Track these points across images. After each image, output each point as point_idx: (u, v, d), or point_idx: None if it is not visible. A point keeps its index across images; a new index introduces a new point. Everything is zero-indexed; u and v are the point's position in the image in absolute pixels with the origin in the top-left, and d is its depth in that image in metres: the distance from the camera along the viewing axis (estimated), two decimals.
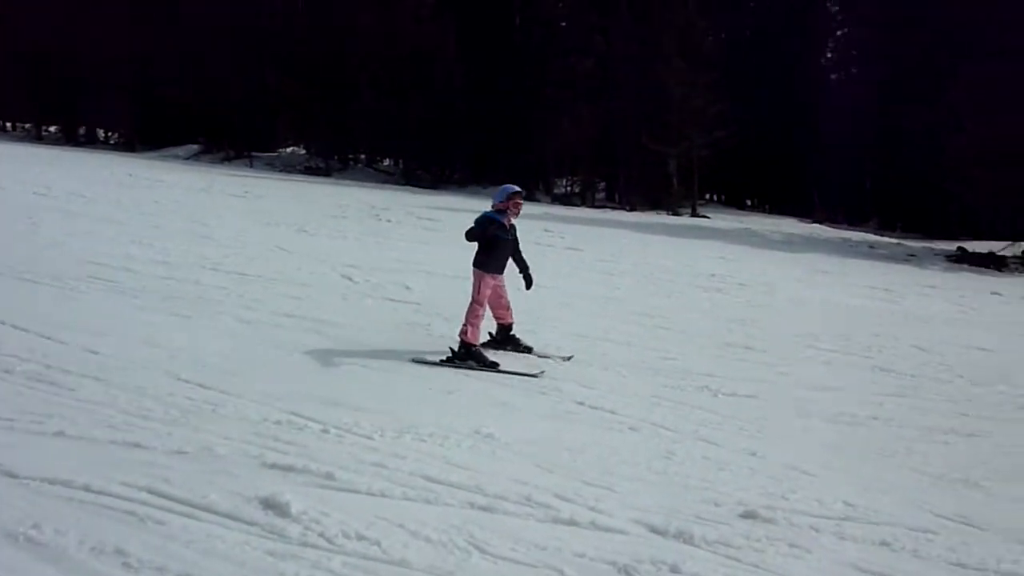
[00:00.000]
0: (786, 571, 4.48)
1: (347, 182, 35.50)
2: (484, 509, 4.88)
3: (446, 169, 40.36)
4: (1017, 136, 25.01)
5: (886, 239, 30.18)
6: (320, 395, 6.63)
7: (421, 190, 34.53)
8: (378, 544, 4.29)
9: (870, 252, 25.32)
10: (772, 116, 39.52)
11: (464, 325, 8.18)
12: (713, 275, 16.22)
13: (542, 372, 8.06)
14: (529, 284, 8.91)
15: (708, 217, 33.12)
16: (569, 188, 40.17)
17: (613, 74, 35.68)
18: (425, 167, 40.34)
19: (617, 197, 37.85)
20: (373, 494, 4.91)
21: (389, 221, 20.40)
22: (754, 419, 7.26)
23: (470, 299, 8.34)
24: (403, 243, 16.85)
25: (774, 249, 23.44)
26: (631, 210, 33.92)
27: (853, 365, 9.86)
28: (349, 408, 6.36)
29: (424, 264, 14.17)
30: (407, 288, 11.88)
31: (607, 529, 4.77)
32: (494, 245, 8.40)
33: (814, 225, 34.08)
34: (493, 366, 8.05)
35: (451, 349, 8.18)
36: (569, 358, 8.80)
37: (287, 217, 18.87)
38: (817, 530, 5.04)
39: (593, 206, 35.59)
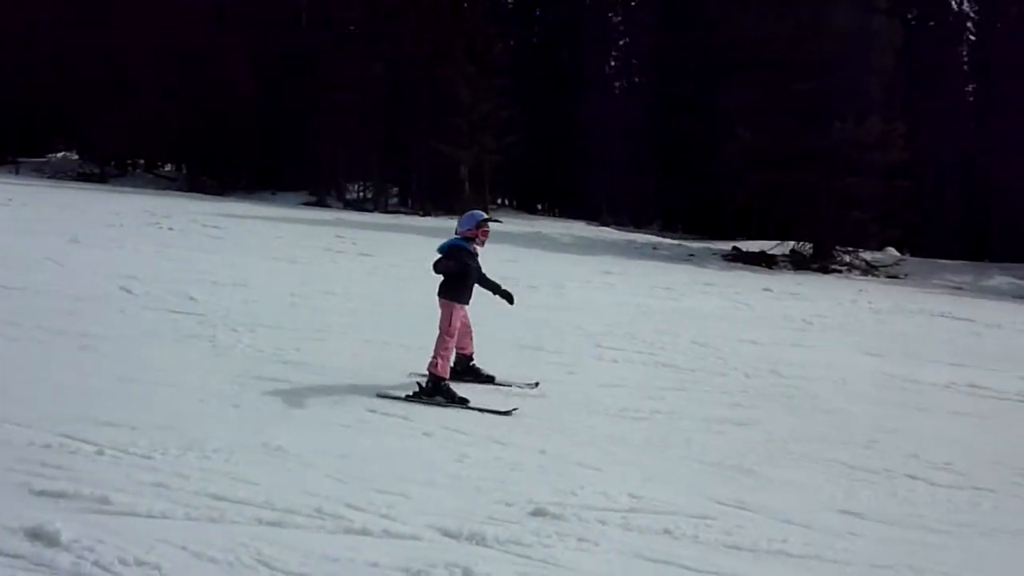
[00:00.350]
0: (575, 565, 4.59)
1: (125, 189, 33.84)
2: (273, 524, 4.74)
3: (232, 174, 39.15)
4: (783, 140, 26.81)
5: (668, 240, 31.61)
6: (93, 415, 6.23)
7: (206, 196, 33.33)
8: (158, 569, 4.09)
9: (654, 253, 26.47)
10: (560, 122, 40.65)
11: (433, 358, 7.71)
12: (504, 278, 16.39)
13: (515, 409, 7.58)
14: (511, 300, 8.64)
15: (500, 221, 33.46)
16: (361, 193, 39.83)
17: (402, 78, 35.65)
18: (210, 172, 38.99)
19: (410, 202, 37.86)
20: (153, 516, 4.67)
21: (171, 229, 19.55)
22: (544, 418, 7.42)
23: (439, 331, 7.87)
24: (186, 252, 16.19)
25: (564, 252, 24.11)
26: (424, 215, 34.00)
27: (637, 362, 10.26)
28: (126, 427, 6.02)
29: (208, 273, 13.67)
30: (191, 299, 11.40)
31: (400, 536, 4.74)
32: (466, 274, 8.01)
33: (601, 228, 35.31)
34: (463, 402, 7.58)
35: (418, 384, 7.73)
36: (536, 384, 8.51)
37: (57, 226, 17.73)
38: (604, 523, 5.19)
39: (386, 211, 35.44)
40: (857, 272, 27.56)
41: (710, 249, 28.43)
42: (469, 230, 8.12)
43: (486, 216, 8.32)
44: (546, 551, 4.71)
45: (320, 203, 35.22)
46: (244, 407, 6.97)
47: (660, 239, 31.95)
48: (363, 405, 7.29)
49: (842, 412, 8.76)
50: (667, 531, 5.16)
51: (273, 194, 36.31)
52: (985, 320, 17.72)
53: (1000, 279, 30.38)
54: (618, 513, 5.36)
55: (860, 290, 21.73)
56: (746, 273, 23.31)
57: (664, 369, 9.91)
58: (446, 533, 4.82)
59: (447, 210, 34.84)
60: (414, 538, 4.74)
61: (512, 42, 43.13)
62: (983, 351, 13.92)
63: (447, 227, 27.64)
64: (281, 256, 17.01)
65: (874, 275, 27.59)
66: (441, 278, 8.01)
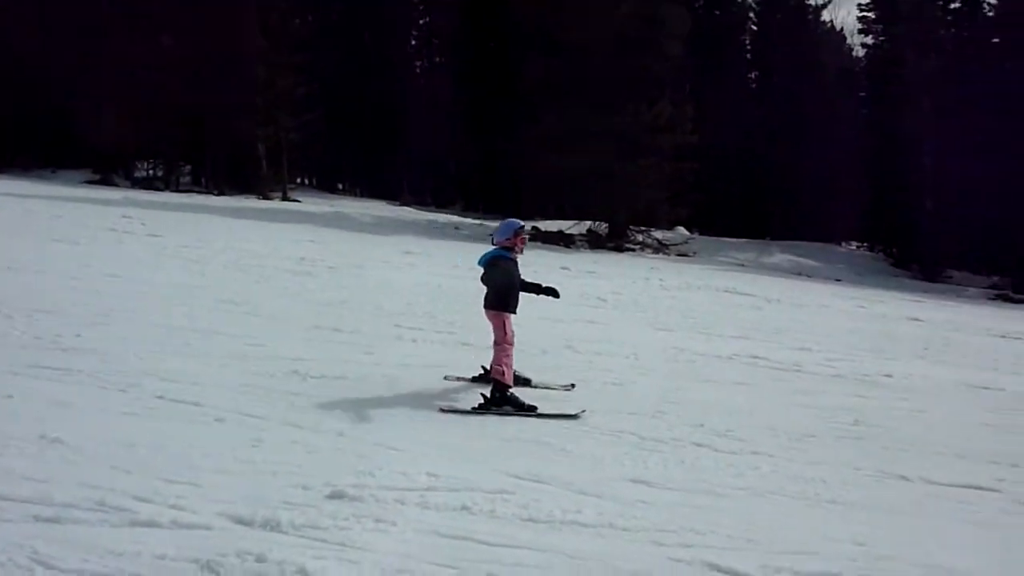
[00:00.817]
0: (372, 546, 4.56)
1: None
2: (51, 520, 4.48)
3: (7, 151, 36.43)
4: (579, 122, 27.49)
5: (470, 220, 31.88)
6: None
7: None
8: None
9: (455, 233, 26.63)
10: (361, 101, 40.17)
11: (498, 368, 7.67)
12: (303, 259, 16.15)
13: (583, 411, 7.61)
14: (557, 294, 8.63)
15: (299, 201, 33.00)
16: (151, 172, 37.99)
17: (193, 52, 34.14)
18: None
19: (204, 181, 36.46)
20: None
21: None
22: (343, 400, 7.33)
23: (496, 342, 7.80)
24: None
25: (365, 232, 23.87)
26: (219, 194, 32.86)
27: (438, 341, 10.32)
28: None
29: None
30: None
31: (190, 526, 4.58)
32: (512, 284, 7.97)
33: (403, 208, 35.20)
34: (531, 410, 7.54)
35: (483, 395, 7.61)
36: (572, 387, 8.53)
37: None
38: (402, 503, 5.18)
39: (178, 190, 34.00)
40: (650, 251, 28.74)
41: None
42: (508, 239, 8.08)
43: (522, 224, 8.28)
44: (343, 534, 4.66)
45: (105, 181, 33.35)
46: (19, 397, 6.53)
47: (462, 219, 32.20)
48: (151, 392, 6.99)
49: (633, 385, 9.10)
50: (465, 507, 5.21)
51: (53, 172, 34.10)
52: (766, 295, 18.86)
53: (780, 256, 32.49)
54: (416, 492, 5.36)
55: (652, 268, 22.65)
56: (545, 252, 23.80)
57: (463, 348, 9.98)
58: (239, 520, 4.69)
59: (243, 189, 33.84)
60: (204, 527, 4.59)
61: (310, 18, 42.23)
62: (763, 324, 14.80)
63: (244, 207, 26.84)
64: (61, 237, 16.01)
65: (665, 253, 28.85)
66: (485, 290, 8.02)
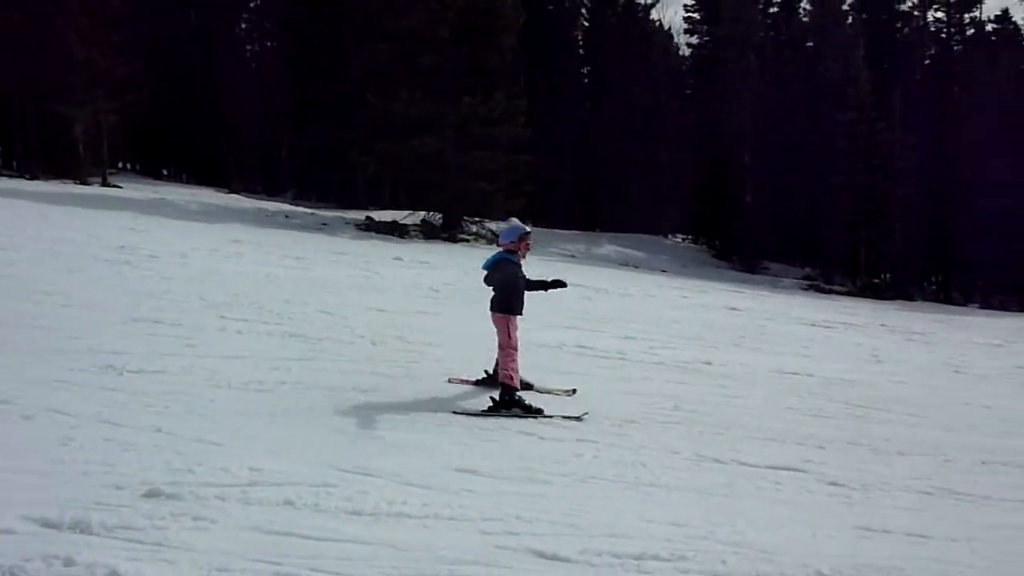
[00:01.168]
0: (190, 545, 4.42)
1: None
2: None
3: None
4: (412, 111, 27.36)
5: (301, 209, 31.29)
6: None
7: None
8: None
9: (285, 222, 26.09)
10: (188, 83, 38.75)
11: (505, 372, 7.89)
12: (122, 247, 15.48)
13: (585, 414, 7.89)
14: (564, 284, 8.95)
15: (120, 187, 31.54)
16: None
17: (3, 27, 32.16)
18: None
19: (16, 165, 34.35)
20: None
21: None
22: (162, 395, 7.08)
23: (500, 346, 8.02)
24: None
25: (190, 220, 23.06)
26: (32, 179, 31.02)
27: (264, 333, 10.08)
28: None
29: None
30: None
31: None
32: (516, 287, 8.13)
33: (232, 196, 34.19)
34: (539, 412, 7.79)
35: (491, 399, 7.81)
36: (573, 391, 8.72)
37: None
38: (223, 499, 5.05)
39: None
40: (484, 241, 28.91)
41: (343, 218, 28.52)
42: (512, 243, 8.28)
43: (528, 230, 8.44)
44: (159, 533, 4.50)
45: None
46: None
47: (293, 208, 31.56)
48: None
49: (463, 375, 9.15)
50: (288, 502, 5.12)
51: None
52: (595, 285, 19.33)
53: (609, 248, 33.38)
54: (238, 488, 5.23)
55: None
56: (379, 242, 23.65)
57: (291, 339, 9.82)
58: (45, 523, 4.46)
59: (60, 174, 32.08)
60: (7, 532, 4.34)
61: None
62: (591, 314, 15.18)
63: (60, 192, 25.44)
64: None
65: (499, 245, 29.06)
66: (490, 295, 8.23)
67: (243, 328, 10.14)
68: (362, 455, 6.14)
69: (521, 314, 8.23)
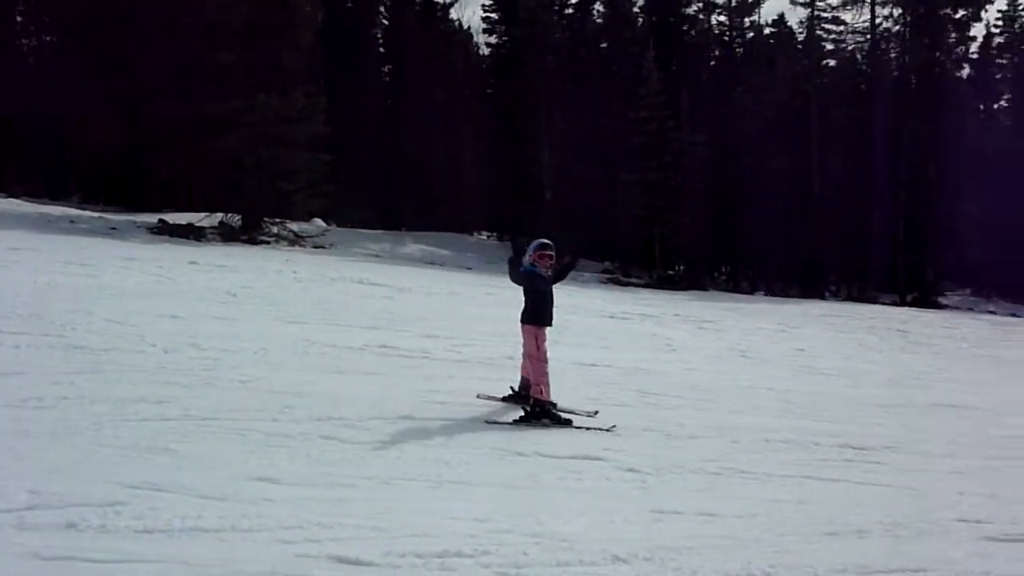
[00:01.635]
0: None
1: None
2: None
3: None
4: (206, 109, 26.44)
5: (88, 213, 29.61)
6: None
7: None
8: None
9: (71, 227, 24.63)
10: None
11: (535, 385, 8.27)
12: None
13: (613, 426, 8.34)
14: (572, 262, 9.38)
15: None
16: None
17: None
18: None
19: None
20: None
21: None
22: None
23: (528, 357, 8.47)
24: None
25: None
26: None
27: (45, 345, 9.44)
28: None
29: None
30: None
31: None
32: (543, 298, 8.50)
33: (10, 200, 31.96)
34: (568, 423, 8.23)
35: (524, 408, 8.23)
36: (595, 413, 8.81)
37: None
38: None
39: None
40: (285, 243, 28.33)
41: (135, 222, 27.18)
42: (531, 256, 8.73)
43: (544, 243, 8.80)
44: None
45: None
46: None
47: (79, 212, 29.80)
48: None
49: (261, 381, 8.91)
50: (71, 524, 4.84)
51: None
52: (398, 285, 19.28)
53: (413, 247, 33.39)
54: (14, 513, 4.89)
55: (287, 260, 22.35)
56: (172, 246, 22.71)
57: (75, 351, 9.26)
58: None
59: None
60: None
61: None
62: (394, 314, 15.12)
63: None
64: None
65: (301, 245, 28.57)
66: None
67: (20, 342, 9.44)
68: (154, 470, 5.88)
69: (551, 325, 8.68)
